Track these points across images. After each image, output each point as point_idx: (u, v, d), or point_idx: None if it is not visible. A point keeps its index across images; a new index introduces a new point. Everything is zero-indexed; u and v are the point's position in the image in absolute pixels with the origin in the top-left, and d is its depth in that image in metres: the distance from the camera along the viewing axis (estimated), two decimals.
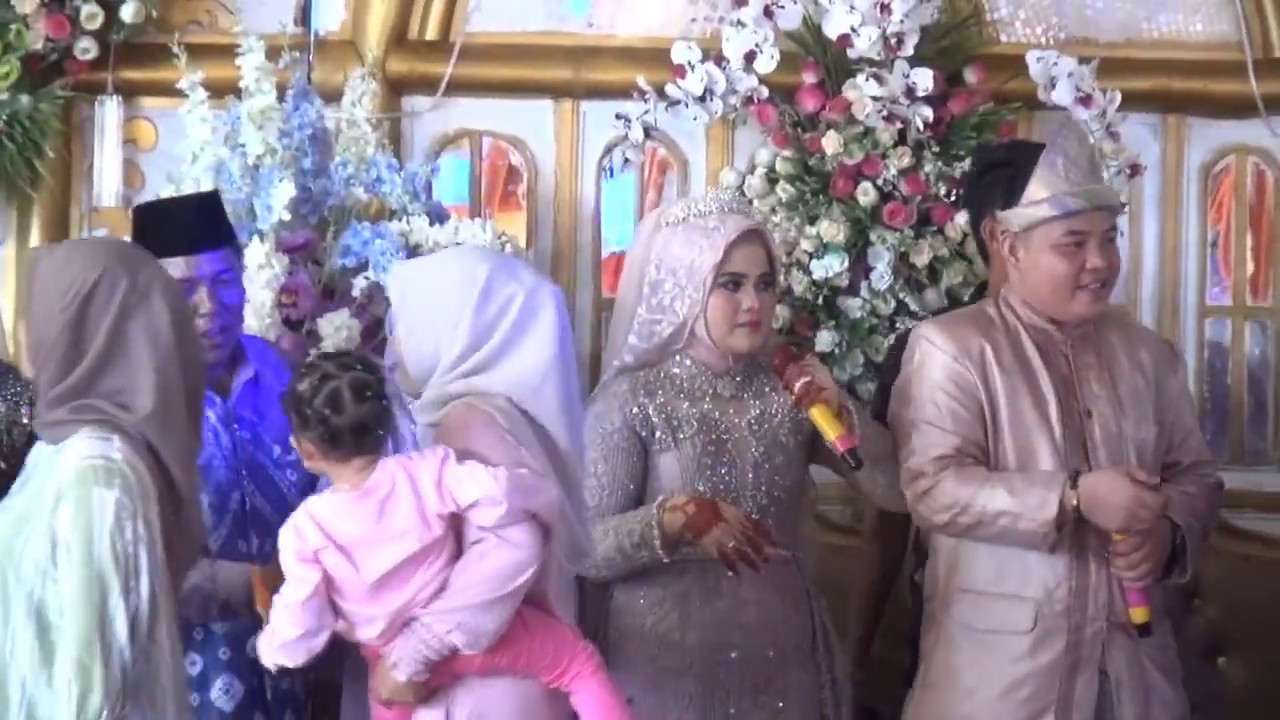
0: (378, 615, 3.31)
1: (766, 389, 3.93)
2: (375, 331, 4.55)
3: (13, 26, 4.87)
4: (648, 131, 5.07)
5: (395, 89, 5.18)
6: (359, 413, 3.31)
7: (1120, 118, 5.00)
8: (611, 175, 5.22)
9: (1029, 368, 3.88)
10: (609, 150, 5.21)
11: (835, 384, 3.84)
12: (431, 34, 5.22)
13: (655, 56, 5.05)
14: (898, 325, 4.85)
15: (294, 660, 3.33)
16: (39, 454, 3.12)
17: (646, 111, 5.02)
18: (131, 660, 2.97)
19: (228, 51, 4.76)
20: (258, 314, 4.48)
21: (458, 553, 3.31)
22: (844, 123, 4.91)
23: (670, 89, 4.96)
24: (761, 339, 3.88)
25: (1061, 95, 4.96)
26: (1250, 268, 5.36)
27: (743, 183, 5.01)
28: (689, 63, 4.94)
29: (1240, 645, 5.07)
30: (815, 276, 4.88)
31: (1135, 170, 5.06)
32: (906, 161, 4.88)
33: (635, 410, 3.83)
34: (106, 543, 2.96)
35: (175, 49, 4.73)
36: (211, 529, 3.74)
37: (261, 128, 4.67)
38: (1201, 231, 5.31)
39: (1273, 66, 5.23)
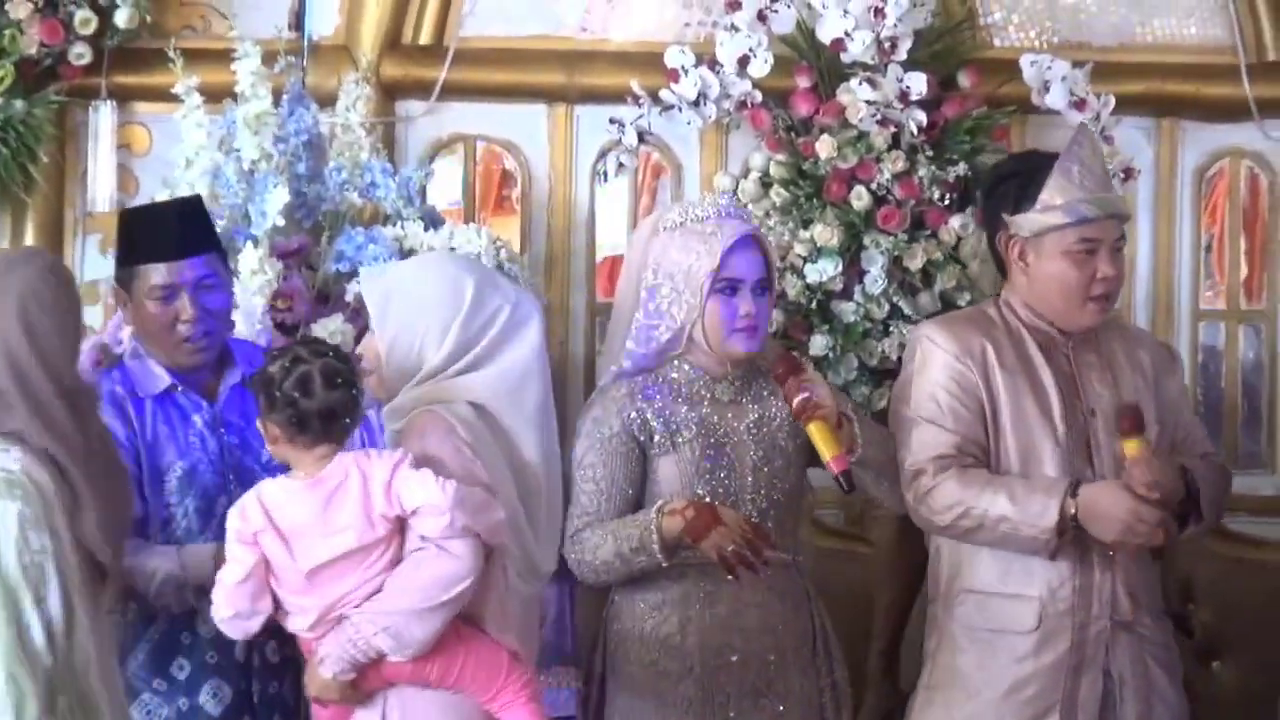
0: (310, 607, 3.34)
1: (765, 393, 3.92)
2: None
3: (7, 31, 4.85)
4: (642, 136, 5.07)
5: (389, 94, 5.17)
6: (328, 399, 3.33)
7: (1114, 121, 5.01)
8: (605, 181, 5.21)
9: (1031, 367, 3.88)
10: (603, 154, 5.20)
11: (835, 397, 3.82)
12: (425, 39, 5.21)
13: (649, 61, 5.04)
14: (891, 329, 4.85)
15: (235, 635, 3.43)
16: None
17: (640, 116, 5.02)
18: (53, 667, 2.98)
19: (222, 56, 4.76)
20: (249, 319, 4.47)
21: (400, 559, 3.33)
22: (838, 127, 4.91)
23: (664, 93, 4.96)
24: (759, 344, 3.88)
25: (1055, 99, 4.97)
26: (1244, 271, 5.37)
27: (736, 187, 5.00)
28: (683, 67, 4.94)
29: (1233, 648, 5.07)
30: (809, 280, 4.87)
31: (1129, 174, 5.07)
32: (900, 166, 4.88)
33: (634, 414, 3.83)
34: (13, 555, 2.98)
35: (170, 54, 4.73)
36: (198, 533, 3.74)
37: (256, 133, 4.66)
38: (1195, 235, 5.31)
39: (1266, 70, 5.23)
